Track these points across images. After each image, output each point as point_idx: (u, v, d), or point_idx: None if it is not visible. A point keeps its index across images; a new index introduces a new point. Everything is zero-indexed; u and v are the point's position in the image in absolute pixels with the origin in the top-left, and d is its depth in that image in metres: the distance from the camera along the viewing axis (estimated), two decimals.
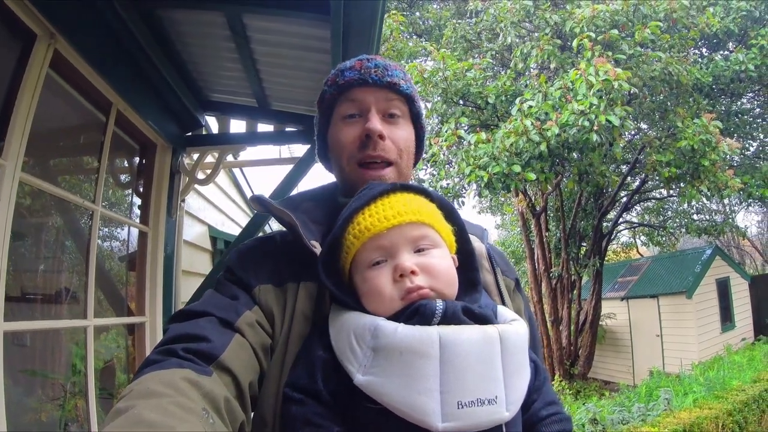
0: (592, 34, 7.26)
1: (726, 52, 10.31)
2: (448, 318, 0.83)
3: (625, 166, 11.28)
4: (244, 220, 6.68)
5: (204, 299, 1.00)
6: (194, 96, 3.71)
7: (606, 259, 14.38)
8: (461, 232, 1.00)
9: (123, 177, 3.69)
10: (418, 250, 0.89)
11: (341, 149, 1.12)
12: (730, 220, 14.31)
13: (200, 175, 4.16)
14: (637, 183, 12.49)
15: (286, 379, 0.91)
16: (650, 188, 13.13)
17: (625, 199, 13.06)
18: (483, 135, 7.34)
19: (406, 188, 0.96)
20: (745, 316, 14.85)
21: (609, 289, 15.50)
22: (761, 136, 11.79)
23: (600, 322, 13.67)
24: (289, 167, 3.94)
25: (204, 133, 4.10)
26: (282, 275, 1.03)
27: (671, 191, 11.07)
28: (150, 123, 3.32)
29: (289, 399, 0.86)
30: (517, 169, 6.98)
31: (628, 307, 15.07)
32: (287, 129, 4.06)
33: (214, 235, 5.11)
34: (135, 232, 3.60)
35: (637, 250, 20.46)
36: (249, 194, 7.08)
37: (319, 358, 0.87)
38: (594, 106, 6.43)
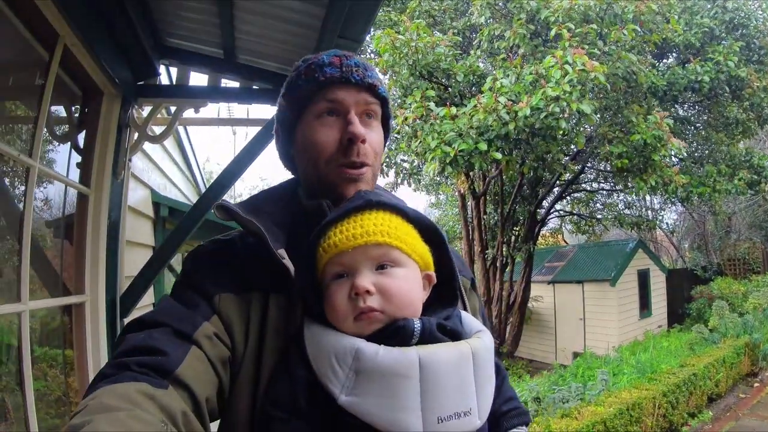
0: (572, 26, 7.38)
1: (666, 61, 11.03)
2: (425, 337, 0.87)
3: (566, 158, 11.54)
4: (185, 186, 6.13)
5: (161, 307, 0.97)
6: (152, 37, 3.18)
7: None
8: (442, 251, 1.00)
9: (61, 128, 3.08)
10: (380, 268, 0.91)
11: (318, 150, 1.07)
12: (661, 217, 15.14)
13: (151, 131, 3.64)
14: (568, 175, 12.87)
15: (261, 394, 0.92)
16: (582, 180, 13.67)
17: (557, 189, 13.41)
18: (454, 109, 7.19)
19: (382, 206, 0.95)
20: (661, 305, 15.84)
21: (536, 273, 16.03)
22: (694, 144, 12.51)
23: (527, 304, 14.05)
24: (249, 129, 3.52)
25: (159, 83, 3.57)
26: (244, 283, 1.00)
27: (618, 183, 11.49)
28: (103, 64, 2.77)
29: (271, 417, 0.87)
30: (483, 147, 6.98)
31: (554, 290, 15.68)
32: (254, 86, 3.61)
33: (157, 201, 4.55)
34: (73, 194, 3.06)
35: (563, 238, 21.18)
36: (191, 156, 6.51)
37: (300, 376, 0.88)
38: (567, 94, 6.51)
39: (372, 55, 10.72)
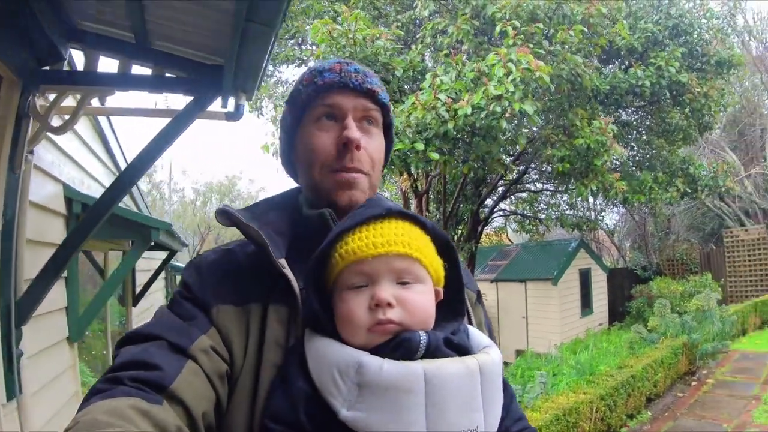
0: (517, 23, 7.21)
1: (611, 67, 11.11)
2: (431, 351, 0.84)
3: (508, 158, 11.59)
4: (107, 179, 5.67)
5: (156, 319, 0.95)
6: (57, 19, 2.88)
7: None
8: (454, 266, 0.97)
9: None
10: (401, 282, 0.89)
11: (313, 155, 1.06)
12: (601, 218, 15.50)
13: (55, 122, 3.32)
14: (512, 175, 12.94)
15: (260, 408, 0.89)
16: (526, 180, 13.87)
17: (502, 188, 13.51)
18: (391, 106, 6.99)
19: (402, 216, 0.94)
20: (602, 304, 16.33)
21: (480, 271, 16.32)
22: (635, 147, 12.75)
23: None
24: (165, 120, 3.23)
25: (65, 69, 3.26)
26: (244, 294, 0.98)
27: (558, 185, 11.64)
28: None
29: (270, 431, 0.85)
30: (420, 147, 6.73)
31: (497, 289, 15.89)
32: (168, 74, 3.34)
33: (71, 196, 4.19)
34: None
35: (507, 236, 21.50)
36: (116, 148, 6.09)
37: (301, 390, 0.85)
38: (510, 93, 6.33)
39: (312, 47, 10.49)
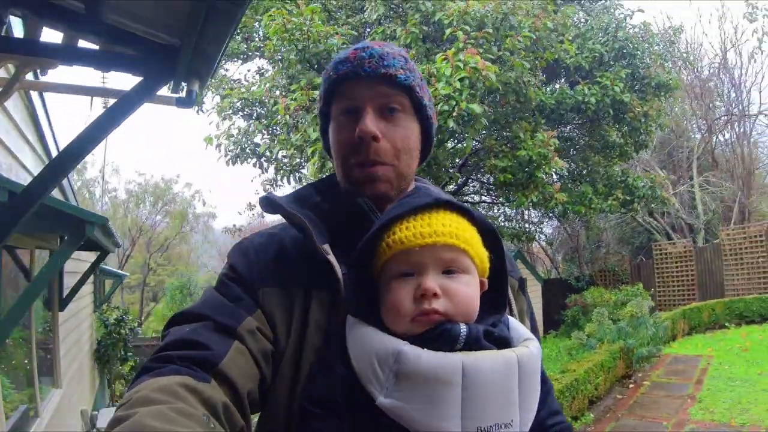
0: (468, 28, 7.27)
1: (556, 86, 11.42)
2: (471, 343, 0.85)
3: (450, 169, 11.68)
4: (35, 167, 5.17)
5: (204, 300, 0.99)
6: None
7: None
8: (499, 257, 0.97)
9: None
10: (447, 272, 0.89)
11: (338, 150, 1.08)
12: (540, 230, 15.91)
13: None
14: (452, 186, 13.05)
15: (300, 390, 0.92)
16: (465, 192, 13.96)
17: None
18: None
19: (450, 206, 0.94)
20: (537, 313, 16.21)
21: None
22: (573, 164, 13.07)
23: None
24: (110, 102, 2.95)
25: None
26: (289, 277, 1.00)
27: (498, 197, 11.88)
28: None
29: (308, 413, 0.87)
30: None
31: None
32: (118, 50, 3.05)
33: None
34: None
35: None
36: (48, 131, 5.58)
37: (339, 375, 0.88)
38: (457, 92, 6.38)
39: (261, 42, 10.24)
